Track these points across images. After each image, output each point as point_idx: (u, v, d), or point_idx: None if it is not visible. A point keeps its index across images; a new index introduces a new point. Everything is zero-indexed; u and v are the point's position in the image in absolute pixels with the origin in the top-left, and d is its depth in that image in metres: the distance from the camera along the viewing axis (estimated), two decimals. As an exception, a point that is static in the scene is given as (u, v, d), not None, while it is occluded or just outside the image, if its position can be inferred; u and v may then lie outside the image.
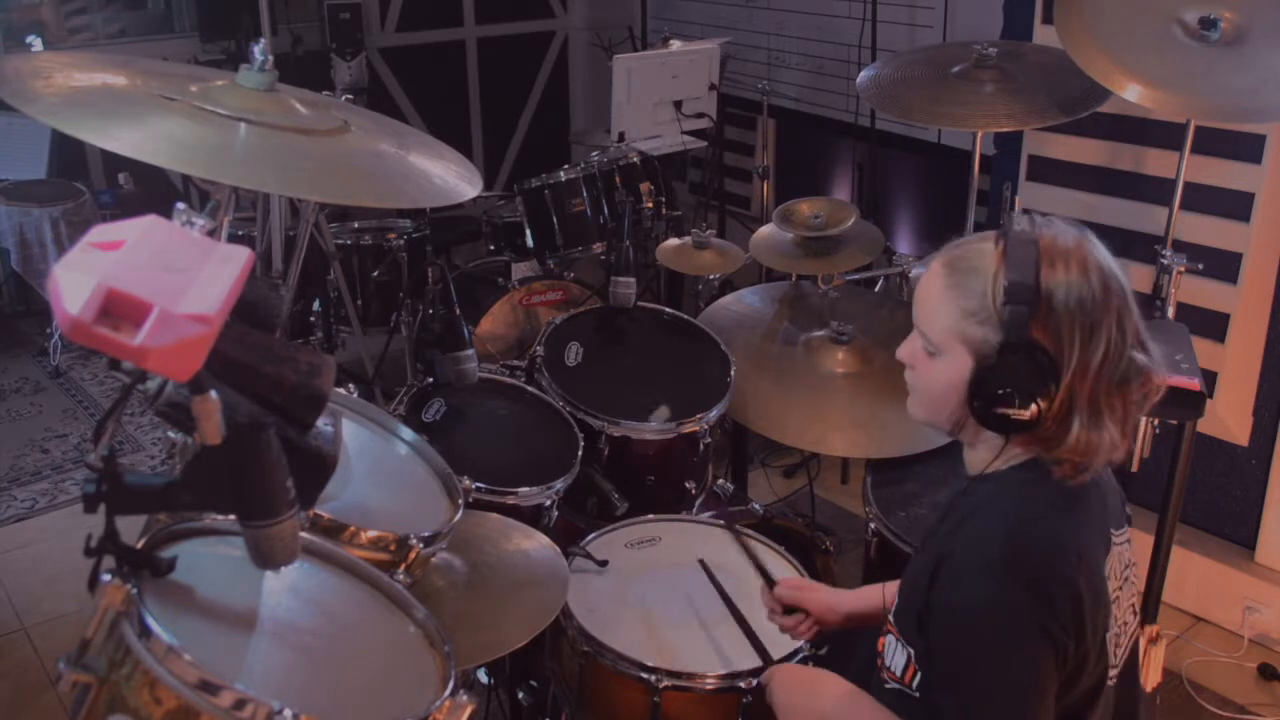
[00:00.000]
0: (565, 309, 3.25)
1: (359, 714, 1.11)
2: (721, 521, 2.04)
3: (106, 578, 0.96)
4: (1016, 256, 1.23)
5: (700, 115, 3.90)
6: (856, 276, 2.78)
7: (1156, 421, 2.28)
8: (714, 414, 2.27)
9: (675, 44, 4.20)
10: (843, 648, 1.73)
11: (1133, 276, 1.29)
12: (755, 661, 1.67)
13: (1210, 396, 2.60)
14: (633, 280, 2.44)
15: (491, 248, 3.71)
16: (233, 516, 0.97)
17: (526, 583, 1.70)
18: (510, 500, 1.96)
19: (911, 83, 2.63)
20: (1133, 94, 2.16)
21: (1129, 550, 1.36)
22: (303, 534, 1.08)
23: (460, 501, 1.62)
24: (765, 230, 2.84)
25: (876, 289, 2.93)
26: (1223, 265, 2.63)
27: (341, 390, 1.71)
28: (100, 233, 0.85)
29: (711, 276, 3.22)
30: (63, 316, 0.76)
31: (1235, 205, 2.63)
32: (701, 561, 1.80)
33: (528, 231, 3.38)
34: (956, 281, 1.28)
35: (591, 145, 3.93)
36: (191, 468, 0.95)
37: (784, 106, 4.88)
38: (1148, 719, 1.50)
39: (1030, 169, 3.05)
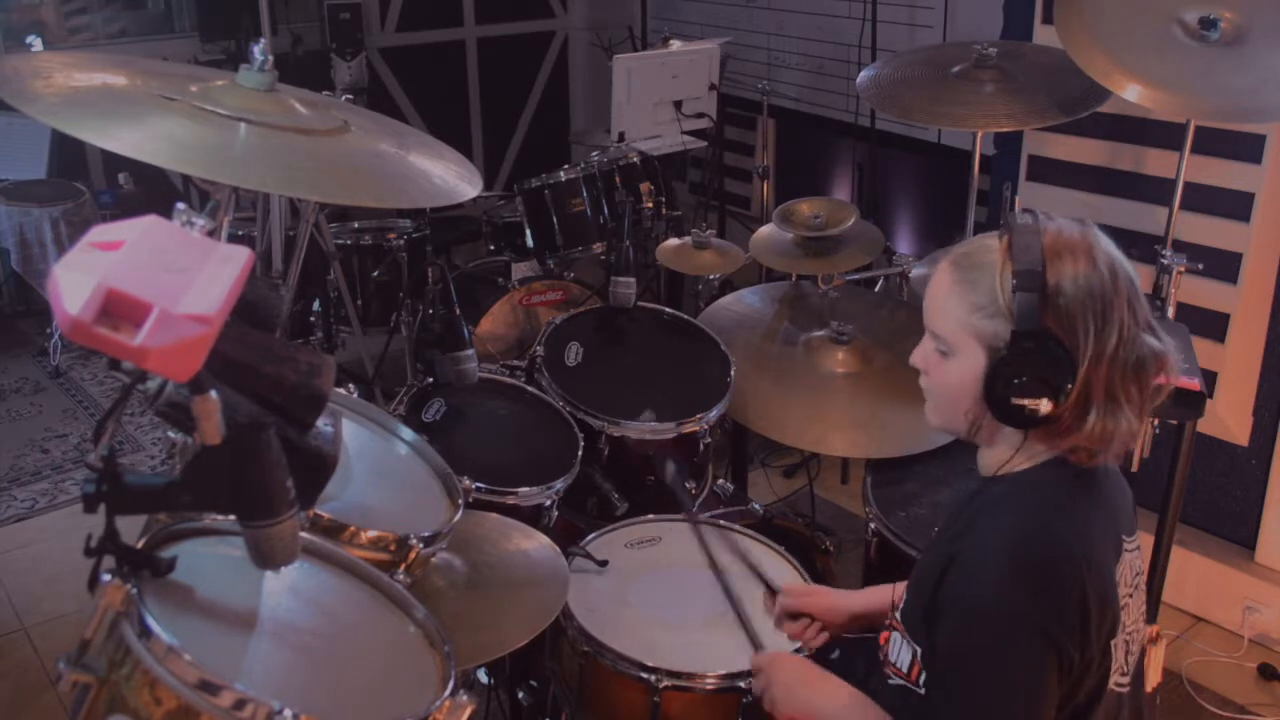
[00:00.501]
0: (565, 309, 3.25)
1: (359, 714, 1.11)
2: (711, 521, 2.03)
3: (106, 578, 0.96)
4: (1021, 248, 1.23)
5: (700, 115, 3.90)
6: (856, 276, 2.78)
7: (1156, 421, 2.28)
8: (714, 414, 2.27)
9: (675, 44, 4.20)
10: (849, 652, 1.72)
11: (1133, 276, 1.29)
12: (756, 662, 1.66)
13: (1210, 396, 2.60)
14: (633, 280, 2.44)
15: (491, 248, 3.71)
16: (233, 516, 0.97)
17: (526, 583, 1.70)
18: (510, 500, 1.96)
19: (911, 83, 2.63)
20: (1133, 94, 2.17)
21: (1139, 558, 1.35)
22: (303, 534, 1.08)
23: (460, 501, 1.62)
24: (765, 230, 2.84)
25: (876, 289, 2.93)
26: (1223, 265, 2.63)
27: (341, 390, 1.71)
28: (100, 233, 0.85)
29: (711, 276, 3.22)
30: (63, 316, 0.76)
31: (1235, 205, 2.63)
32: (713, 563, 1.79)
33: (528, 231, 3.38)
34: (964, 277, 1.28)
35: (591, 145, 3.93)
36: (191, 468, 0.95)
37: (784, 106, 4.88)
38: (1148, 719, 1.49)
39: (1030, 169, 3.05)
